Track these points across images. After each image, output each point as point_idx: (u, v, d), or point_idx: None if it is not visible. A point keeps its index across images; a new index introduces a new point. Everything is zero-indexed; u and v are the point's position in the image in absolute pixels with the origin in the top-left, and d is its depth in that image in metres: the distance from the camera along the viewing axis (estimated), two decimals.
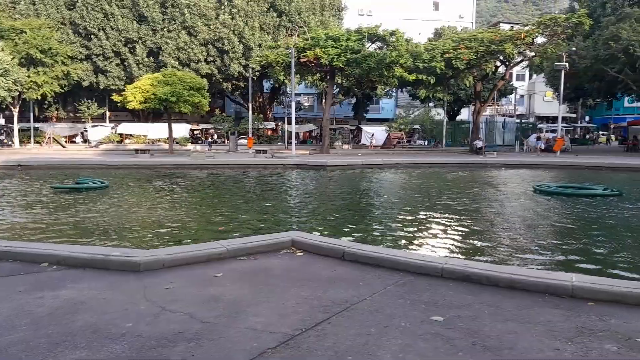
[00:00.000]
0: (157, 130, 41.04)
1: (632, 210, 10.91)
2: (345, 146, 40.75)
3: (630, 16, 30.66)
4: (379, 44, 32.39)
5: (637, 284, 4.67)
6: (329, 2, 43.95)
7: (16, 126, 37.70)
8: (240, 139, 41.01)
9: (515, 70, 48.50)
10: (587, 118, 64.96)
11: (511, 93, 52.90)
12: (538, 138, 37.28)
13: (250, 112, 39.42)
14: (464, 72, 32.03)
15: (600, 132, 57.81)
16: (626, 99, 47.50)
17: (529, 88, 62.77)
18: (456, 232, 8.48)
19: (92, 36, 39.61)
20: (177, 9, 39.87)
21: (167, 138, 34.13)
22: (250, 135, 38.08)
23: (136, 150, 30.11)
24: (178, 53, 39.75)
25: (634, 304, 4.02)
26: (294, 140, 31.11)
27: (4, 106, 36.47)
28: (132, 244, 7.18)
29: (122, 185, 15.58)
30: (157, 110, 32.82)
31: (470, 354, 3.15)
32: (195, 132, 47.74)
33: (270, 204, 11.71)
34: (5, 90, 31.52)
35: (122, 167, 21.47)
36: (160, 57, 40.07)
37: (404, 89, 39.02)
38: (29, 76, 34.24)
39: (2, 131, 40.81)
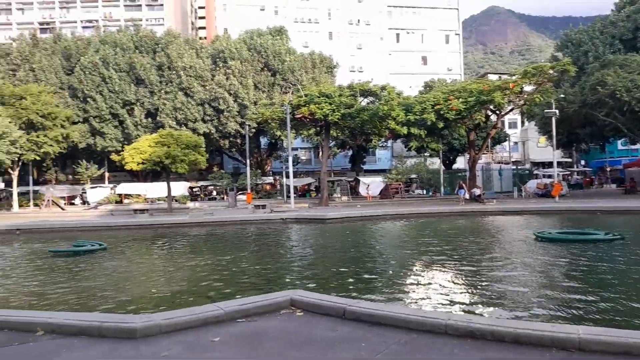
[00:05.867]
0: (156, 189, 40.91)
1: (637, 254, 10.77)
2: (344, 198, 40.74)
3: (613, 63, 31.59)
4: (371, 98, 33.18)
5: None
6: (319, 60, 45.53)
7: (15, 190, 37.78)
8: (240, 194, 41.09)
9: (508, 118, 49.39)
10: (582, 162, 65.58)
11: (505, 140, 53.62)
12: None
13: (248, 167, 39.75)
14: (456, 122, 32.56)
15: (576, 177, 56.14)
16: (619, 141, 48.16)
17: (523, 135, 63.79)
18: (459, 285, 8.35)
19: (88, 99, 40.69)
20: (174, 72, 41.19)
21: (166, 197, 34.19)
22: (249, 191, 38.18)
23: (135, 210, 30.07)
24: (175, 113, 40.68)
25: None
26: (292, 195, 31.18)
27: (3, 170, 36.68)
28: (128, 309, 7.04)
29: (120, 247, 15.43)
30: (156, 170, 33.06)
31: None
32: (194, 189, 47.88)
33: (270, 261, 11.59)
34: (4, 152, 31.82)
35: (121, 228, 21.33)
36: (158, 118, 40.94)
37: (397, 140, 39.56)
38: (28, 139, 34.68)
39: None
